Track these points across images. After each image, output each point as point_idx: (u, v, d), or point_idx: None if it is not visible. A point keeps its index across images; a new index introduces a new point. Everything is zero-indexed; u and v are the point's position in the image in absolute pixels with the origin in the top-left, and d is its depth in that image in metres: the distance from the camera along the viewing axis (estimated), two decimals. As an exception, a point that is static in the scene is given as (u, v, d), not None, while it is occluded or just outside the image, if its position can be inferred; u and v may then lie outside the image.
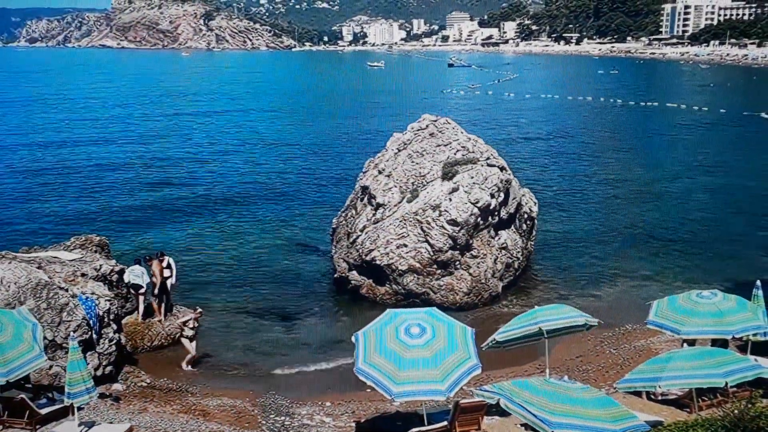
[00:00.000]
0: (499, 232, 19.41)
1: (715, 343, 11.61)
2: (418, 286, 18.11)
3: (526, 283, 20.09)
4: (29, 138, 48.52)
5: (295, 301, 18.86)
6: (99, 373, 12.78)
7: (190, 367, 14.68)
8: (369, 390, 10.30)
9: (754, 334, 11.36)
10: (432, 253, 18.08)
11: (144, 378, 13.76)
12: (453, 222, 18.01)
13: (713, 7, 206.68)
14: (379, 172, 20.59)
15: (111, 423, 10.96)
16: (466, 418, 9.86)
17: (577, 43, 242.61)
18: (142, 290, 15.74)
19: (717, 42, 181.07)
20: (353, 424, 11.62)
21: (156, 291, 15.84)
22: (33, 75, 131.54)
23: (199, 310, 15.26)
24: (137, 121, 59.65)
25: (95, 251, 16.37)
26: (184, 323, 14.65)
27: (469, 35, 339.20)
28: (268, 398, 13.23)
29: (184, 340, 14.70)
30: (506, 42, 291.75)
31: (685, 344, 12.07)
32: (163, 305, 16.07)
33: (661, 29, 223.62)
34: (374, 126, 51.94)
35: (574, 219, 27.11)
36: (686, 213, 27.80)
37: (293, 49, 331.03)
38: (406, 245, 18.22)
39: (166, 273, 16.44)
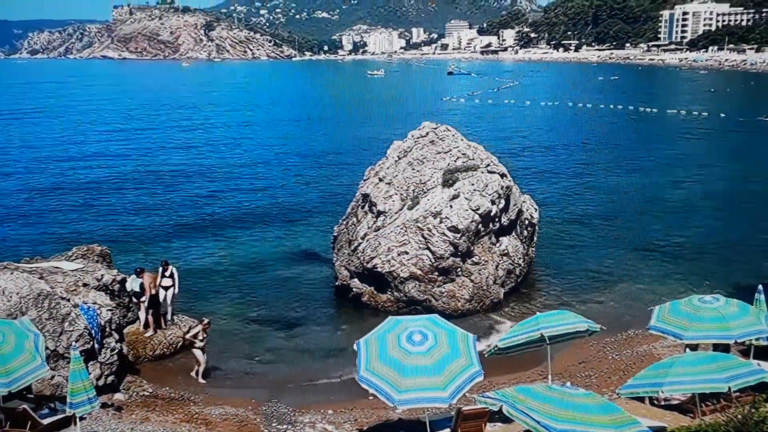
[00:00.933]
0: (500, 239, 19.43)
1: (716, 347, 11.59)
2: (420, 293, 18.11)
3: (527, 289, 20.07)
4: (32, 148, 48.70)
5: (297, 310, 18.85)
6: (101, 382, 12.76)
7: (201, 378, 14.55)
8: (371, 398, 10.29)
9: (757, 339, 11.35)
10: (433, 260, 18.09)
11: (146, 387, 13.74)
12: (454, 229, 18.03)
13: (711, 13, 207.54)
14: (380, 180, 20.64)
15: (113, 433, 10.94)
16: (469, 425, 9.84)
17: (576, 50, 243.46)
18: (144, 298, 15.75)
19: (715, 47, 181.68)
20: (356, 432, 11.59)
21: (147, 303, 15.65)
22: (37, 86, 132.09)
23: (206, 320, 15.08)
24: (139, 132, 59.86)
25: (97, 261, 16.40)
26: (195, 336, 14.51)
27: (468, 43, 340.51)
28: (270, 407, 13.20)
29: (196, 352, 14.53)
30: (505, 50, 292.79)
31: (687, 349, 12.05)
32: (161, 317, 16.05)
33: (659, 35, 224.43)
34: (374, 134, 52.06)
35: (576, 225, 27.12)
36: (687, 218, 27.81)
37: (293, 59, 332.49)
38: (407, 252, 18.24)
39: (169, 282, 16.47)
